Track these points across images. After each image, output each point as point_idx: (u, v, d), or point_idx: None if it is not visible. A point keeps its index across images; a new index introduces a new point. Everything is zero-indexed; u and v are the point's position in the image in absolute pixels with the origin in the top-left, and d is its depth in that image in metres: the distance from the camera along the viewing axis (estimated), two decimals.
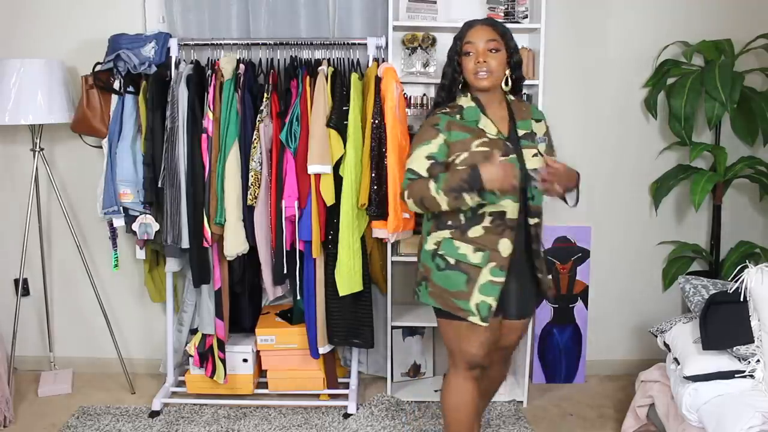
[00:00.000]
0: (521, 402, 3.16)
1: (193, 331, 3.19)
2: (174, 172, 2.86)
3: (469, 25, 2.29)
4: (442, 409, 2.45)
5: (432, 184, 2.15)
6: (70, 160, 3.29)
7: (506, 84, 2.29)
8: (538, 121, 2.37)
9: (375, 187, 2.81)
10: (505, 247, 2.20)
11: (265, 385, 3.14)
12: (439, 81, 2.37)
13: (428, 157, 2.22)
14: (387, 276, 3.06)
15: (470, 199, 2.11)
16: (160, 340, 3.34)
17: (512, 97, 2.36)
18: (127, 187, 2.95)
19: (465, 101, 2.29)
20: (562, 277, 3.35)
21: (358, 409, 3.06)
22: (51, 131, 3.19)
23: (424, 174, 2.21)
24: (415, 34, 3.05)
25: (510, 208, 2.20)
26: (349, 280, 2.83)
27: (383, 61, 2.96)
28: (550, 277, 2.47)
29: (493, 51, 2.22)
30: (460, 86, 2.32)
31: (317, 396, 3.14)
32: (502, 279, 2.21)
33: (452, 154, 2.22)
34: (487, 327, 2.23)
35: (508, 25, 2.94)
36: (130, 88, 2.96)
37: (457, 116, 2.26)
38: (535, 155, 2.24)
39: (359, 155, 2.81)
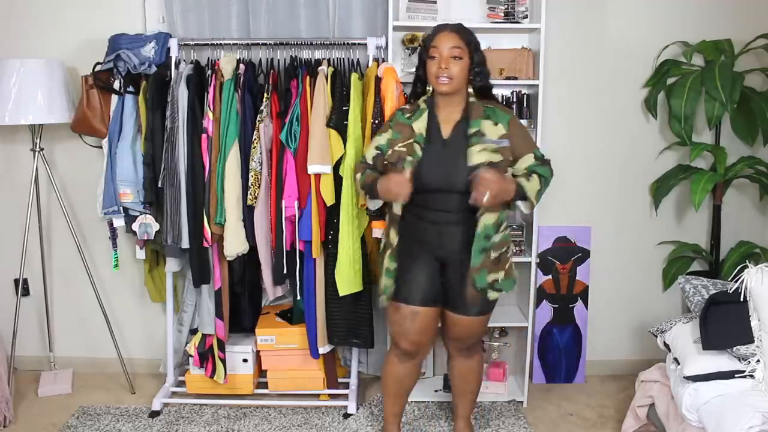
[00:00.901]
0: (521, 402, 3.16)
1: (193, 331, 3.19)
2: (174, 172, 2.86)
3: (438, 29, 2.42)
4: None
5: (358, 176, 2.59)
6: (70, 160, 3.29)
7: (473, 89, 2.44)
8: (496, 124, 2.42)
9: None
10: (393, 236, 2.51)
11: (265, 385, 3.14)
12: None
13: (376, 148, 2.54)
14: None
15: (371, 203, 2.58)
16: (160, 340, 3.34)
17: (473, 99, 2.45)
18: (127, 187, 2.95)
19: (422, 100, 2.51)
20: (562, 277, 3.35)
21: (358, 409, 3.06)
22: (51, 131, 3.19)
23: (370, 161, 2.57)
24: (415, 34, 3.05)
25: (396, 204, 2.48)
26: (349, 280, 2.83)
27: (383, 61, 2.96)
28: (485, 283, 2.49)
29: (456, 58, 2.36)
30: (426, 86, 2.48)
31: (317, 396, 3.14)
32: (395, 265, 2.49)
33: (391, 149, 2.48)
34: (408, 314, 2.47)
35: (508, 25, 3.00)
36: (130, 88, 2.96)
37: (408, 114, 2.50)
38: (480, 151, 2.37)
39: (359, 155, 2.81)
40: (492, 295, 2.48)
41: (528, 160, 2.46)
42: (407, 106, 2.56)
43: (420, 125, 2.45)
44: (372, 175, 2.52)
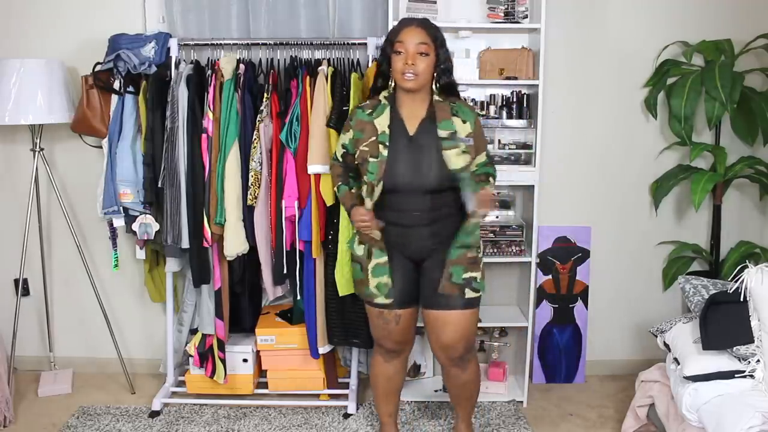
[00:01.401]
0: (521, 402, 3.16)
1: (193, 331, 3.19)
2: (174, 172, 2.86)
3: (404, 24, 2.38)
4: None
5: (336, 190, 2.60)
6: (70, 160, 3.29)
7: (436, 86, 2.40)
8: (464, 122, 2.41)
9: None
10: (376, 234, 2.44)
11: (265, 385, 3.14)
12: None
13: (343, 146, 2.52)
14: None
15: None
16: (160, 340, 3.34)
17: (438, 98, 2.42)
18: (127, 187, 2.95)
19: (383, 95, 2.45)
20: (562, 277, 3.35)
21: (358, 409, 3.06)
22: (51, 131, 3.19)
23: (340, 159, 2.56)
24: None
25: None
26: (348, 280, 2.82)
27: None
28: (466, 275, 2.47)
29: (423, 54, 2.31)
30: (388, 81, 2.42)
31: (317, 396, 3.14)
32: (385, 258, 2.45)
33: (356, 148, 2.44)
34: (392, 318, 2.48)
35: (508, 25, 3.00)
36: (130, 88, 2.96)
37: (368, 111, 2.45)
38: (464, 152, 2.37)
39: None
40: (469, 293, 2.44)
41: (481, 158, 2.51)
42: (366, 102, 2.51)
43: (382, 122, 2.40)
44: (348, 196, 2.52)
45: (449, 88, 2.44)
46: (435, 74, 2.38)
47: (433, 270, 2.45)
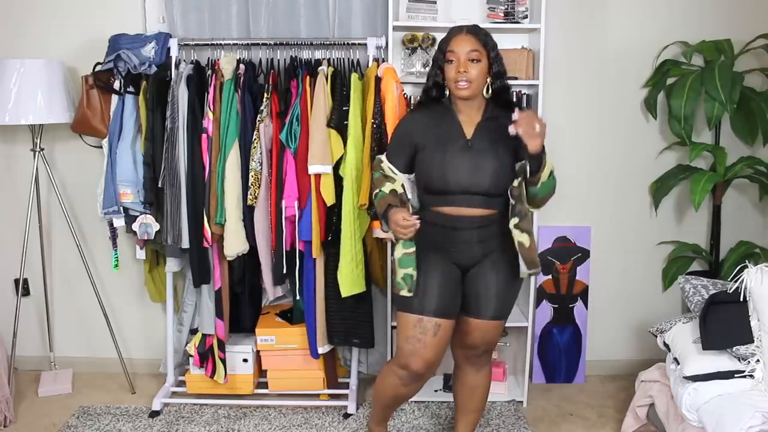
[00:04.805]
0: (521, 402, 3.16)
1: (193, 331, 3.19)
2: (174, 172, 2.86)
3: (454, 32, 2.35)
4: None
5: (376, 191, 2.45)
6: (70, 160, 3.29)
7: (487, 91, 2.36)
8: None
9: None
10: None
11: (265, 385, 3.14)
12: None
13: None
14: (387, 276, 3.06)
15: (384, 226, 2.41)
16: (160, 340, 3.34)
17: (492, 103, 2.39)
18: (127, 187, 2.95)
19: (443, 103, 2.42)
20: (562, 277, 3.35)
21: (358, 409, 3.06)
22: (51, 131, 3.19)
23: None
24: (415, 35, 3.05)
25: None
26: (351, 281, 2.83)
27: (383, 61, 2.96)
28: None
29: (474, 61, 2.29)
30: (443, 90, 2.38)
31: (317, 396, 3.14)
32: (412, 249, 2.34)
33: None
34: (430, 327, 2.31)
35: (508, 25, 3.00)
36: (131, 88, 2.96)
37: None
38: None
39: (359, 155, 2.81)
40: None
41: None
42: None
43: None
44: (386, 198, 2.39)
45: (502, 93, 2.39)
46: (489, 80, 2.34)
47: (482, 278, 2.38)
